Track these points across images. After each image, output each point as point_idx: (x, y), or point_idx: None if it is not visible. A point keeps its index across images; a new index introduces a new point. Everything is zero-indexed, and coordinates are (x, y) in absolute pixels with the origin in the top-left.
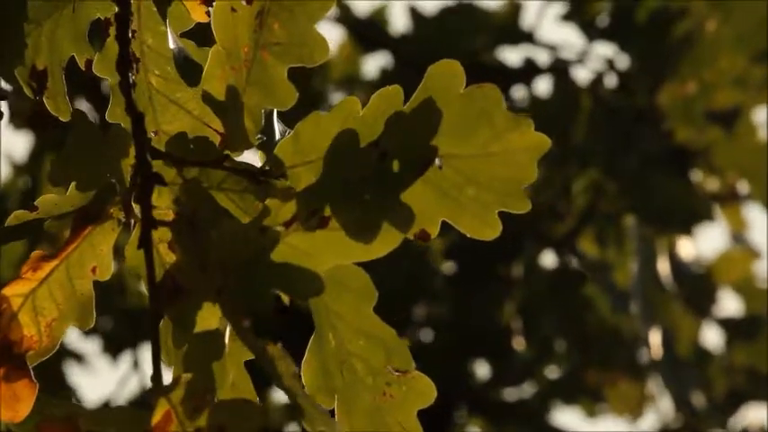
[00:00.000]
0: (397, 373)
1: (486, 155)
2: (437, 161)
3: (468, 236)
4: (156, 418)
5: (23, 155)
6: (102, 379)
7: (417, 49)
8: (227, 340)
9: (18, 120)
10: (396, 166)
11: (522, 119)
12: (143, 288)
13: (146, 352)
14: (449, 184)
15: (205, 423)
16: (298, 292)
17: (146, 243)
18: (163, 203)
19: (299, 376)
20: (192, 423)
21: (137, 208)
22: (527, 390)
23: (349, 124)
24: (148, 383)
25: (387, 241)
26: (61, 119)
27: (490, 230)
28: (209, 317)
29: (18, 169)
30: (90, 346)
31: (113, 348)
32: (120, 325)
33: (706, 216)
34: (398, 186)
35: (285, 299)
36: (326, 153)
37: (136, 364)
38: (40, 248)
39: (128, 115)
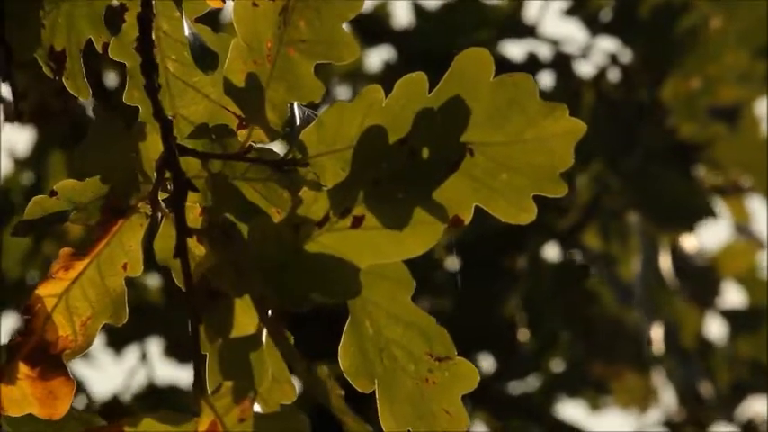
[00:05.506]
0: (438, 361)
1: (520, 142)
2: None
3: (503, 221)
4: (203, 427)
5: (25, 150)
6: (107, 372)
7: (420, 44)
8: (264, 339)
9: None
10: (427, 163)
11: (557, 105)
12: (149, 281)
13: (153, 346)
14: (481, 171)
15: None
16: (335, 294)
17: (181, 251)
18: (190, 199)
19: (344, 396)
20: None
21: (162, 195)
22: (531, 383)
23: (374, 114)
24: (156, 377)
25: (423, 238)
26: (81, 98)
27: (525, 215)
28: (246, 320)
29: (21, 164)
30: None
31: (118, 342)
32: None
33: (709, 212)
34: (431, 183)
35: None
36: (354, 150)
37: (144, 357)
38: (50, 242)
39: (156, 120)
